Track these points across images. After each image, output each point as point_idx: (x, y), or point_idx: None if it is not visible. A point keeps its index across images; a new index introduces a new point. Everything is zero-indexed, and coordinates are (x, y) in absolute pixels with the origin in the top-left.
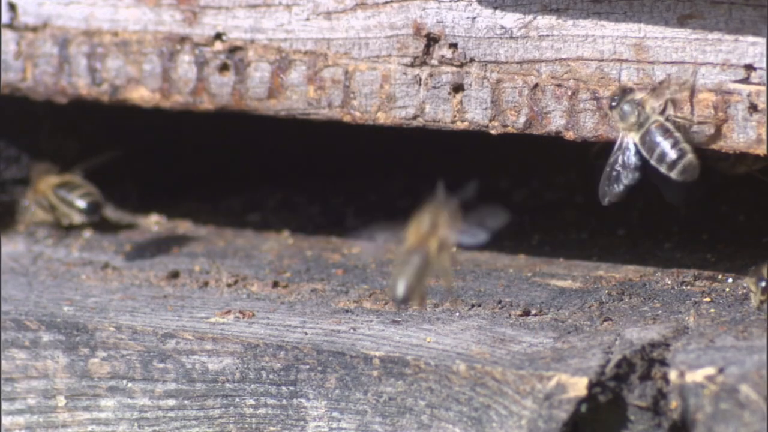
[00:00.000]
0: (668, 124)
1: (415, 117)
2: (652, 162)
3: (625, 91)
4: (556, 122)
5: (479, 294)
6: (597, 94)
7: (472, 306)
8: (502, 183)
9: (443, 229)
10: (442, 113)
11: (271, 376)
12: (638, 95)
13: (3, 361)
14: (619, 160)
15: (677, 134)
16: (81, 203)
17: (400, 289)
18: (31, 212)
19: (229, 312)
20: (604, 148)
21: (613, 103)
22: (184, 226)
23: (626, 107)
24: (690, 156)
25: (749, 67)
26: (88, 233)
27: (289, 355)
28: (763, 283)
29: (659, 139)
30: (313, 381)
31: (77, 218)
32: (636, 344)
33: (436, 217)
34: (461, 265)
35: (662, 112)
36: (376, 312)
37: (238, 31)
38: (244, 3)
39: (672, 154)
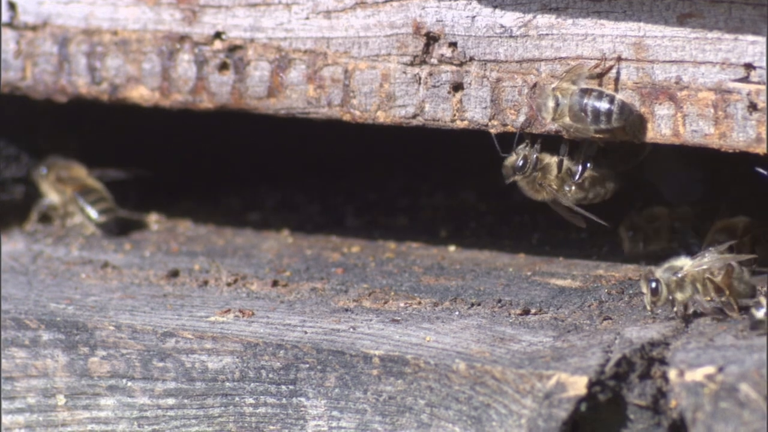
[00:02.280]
0: (584, 85)
1: (414, 116)
2: (593, 127)
3: (542, 89)
4: None
5: (479, 293)
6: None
7: (472, 305)
8: (502, 183)
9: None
10: (441, 112)
11: (270, 375)
12: (553, 84)
13: (3, 360)
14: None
15: (597, 87)
16: (95, 215)
17: None
18: (47, 201)
19: (228, 311)
20: (603, 147)
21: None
22: (183, 225)
23: (542, 100)
24: (619, 96)
25: (749, 66)
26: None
27: (289, 354)
28: (653, 284)
29: (585, 101)
30: (312, 380)
31: (89, 226)
32: (636, 343)
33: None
34: (461, 264)
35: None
36: (376, 311)
37: (237, 30)
38: (243, 2)
39: (604, 104)
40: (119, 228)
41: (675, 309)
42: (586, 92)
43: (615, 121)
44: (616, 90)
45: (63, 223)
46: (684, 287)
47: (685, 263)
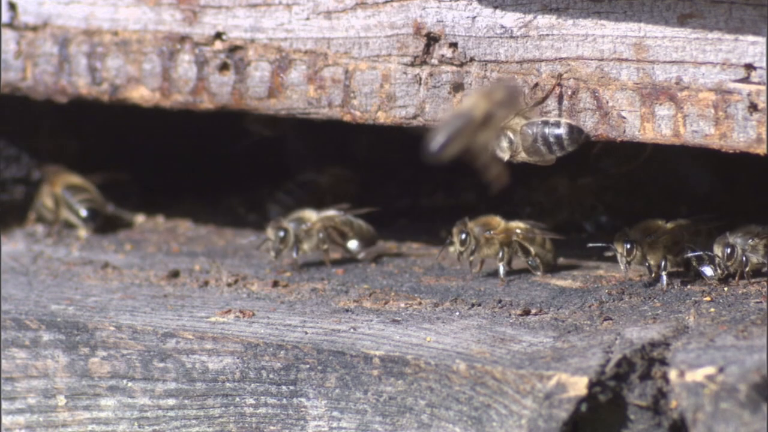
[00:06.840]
0: (532, 118)
1: (415, 116)
2: (551, 156)
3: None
4: None
5: (479, 293)
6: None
7: (472, 305)
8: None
9: (496, 103)
10: (442, 112)
11: (271, 376)
12: (502, 123)
13: (3, 361)
14: None
15: (541, 118)
16: (82, 210)
17: (437, 142)
18: (41, 207)
19: (229, 311)
20: (605, 147)
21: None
22: (184, 226)
23: (497, 141)
24: (564, 119)
25: (749, 67)
26: (88, 233)
27: (289, 354)
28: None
29: (533, 133)
30: (313, 380)
31: (77, 222)
32: (636, 343)
33: (493, 95)
34: (461, 264)
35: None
36: (376, 311)
37: (238, 31)
38: (244, 2)
39: (553, 131)
40: (106, 224)
41: (295, 256)
42: (531, 125)
43: (568, 146)
44: (562, 114)
45: (56, 219)
46: (311, 237)
47: (311, 216)
